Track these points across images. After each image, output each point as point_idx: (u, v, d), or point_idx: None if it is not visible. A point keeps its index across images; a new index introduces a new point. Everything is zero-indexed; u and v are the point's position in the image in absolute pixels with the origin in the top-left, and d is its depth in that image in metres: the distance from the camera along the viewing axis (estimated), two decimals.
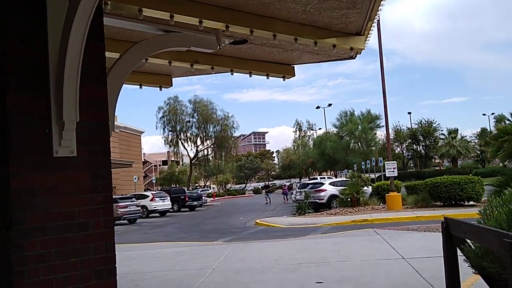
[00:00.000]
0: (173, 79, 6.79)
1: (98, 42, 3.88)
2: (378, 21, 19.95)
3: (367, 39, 6.05)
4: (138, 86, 6.48)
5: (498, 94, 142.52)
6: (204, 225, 21.32)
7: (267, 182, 54.07)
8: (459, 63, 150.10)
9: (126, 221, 25.21)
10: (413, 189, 21.18)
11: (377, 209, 19.89)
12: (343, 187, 22.15)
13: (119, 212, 24.17)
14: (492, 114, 70.30)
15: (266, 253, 9.87)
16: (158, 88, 6.74)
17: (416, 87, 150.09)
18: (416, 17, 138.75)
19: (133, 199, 25.82)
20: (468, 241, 5.25)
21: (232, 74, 6.21)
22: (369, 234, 11.79)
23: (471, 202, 18.65)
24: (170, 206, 31.68)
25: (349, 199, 21.35)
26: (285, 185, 46.61)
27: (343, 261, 8.36)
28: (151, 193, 30.58)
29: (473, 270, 5.29)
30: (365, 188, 22.48)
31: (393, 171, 19.74)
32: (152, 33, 4.71)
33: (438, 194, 18.86)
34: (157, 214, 30.71)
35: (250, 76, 6.30)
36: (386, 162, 20.28)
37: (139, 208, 25.88)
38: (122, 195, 32.44)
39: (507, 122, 62.09)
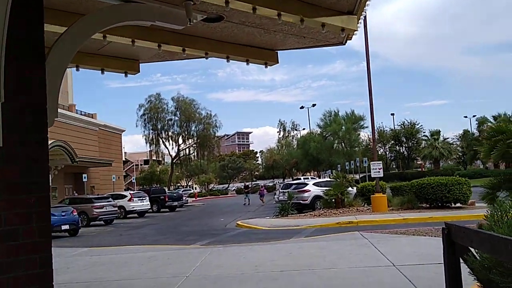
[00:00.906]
0: (141, 64, 6.01)
1: (32, 10, 3.12)
2: (365, 21, 19.40)
3: (359, 21, 5.36)
4: (100, 71, 5.68)
5: (478, 97, 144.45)
6: (183, 226, 20.47)
7: (246, 183, 53.00)
8: (441, 66, 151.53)
9: (102, 222, 24.17)
10: (398, 190, 20.69)
11: (362, 211, 19.32)
12: (327, 188, 21.52)
13: (95, 213, 23.14)
14: (474, 116, 70.86)
15: (246, 259, 9.13)
16: (123, 74, 5.95)
17: (398, 90, 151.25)
18: (399, 21, 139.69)
19: (110, 199, 24.80)
20: (472, 250, 4.60)
21: (206, 58, 5.46)
22: (356, 237, 11.14)
23: (458, 204, 18.22)
24: (149, 207, 30.69)
25: (333, 200, 20.74)
26: (262, 186, 45.75)
27: (329, 268, 7.67)
28: (129, 193, 29.55)
29: (478, 284, 4.65)
30: (350, 189, 21.91)
31: (379, 172, 19.19)
32: (107, 3, 3.94)
33: (425, 196, 18.37)
34: (136, 215, 29.72)
35: (228, 61, 5.56)
36: (371, 163, 19.72)
37: (116, 208, 24.87)
38: (98, 194, 31.40)
39: (489, 124, 62.68)
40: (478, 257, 4.84)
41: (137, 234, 18.01)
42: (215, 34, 5.15)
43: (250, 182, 78.98)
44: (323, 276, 7.15)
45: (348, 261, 8.16)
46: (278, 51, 5.93)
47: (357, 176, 39.03)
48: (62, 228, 17.83)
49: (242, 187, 49.69)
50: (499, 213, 4.67)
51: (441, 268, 7.09)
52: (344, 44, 5.68)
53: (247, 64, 5.75)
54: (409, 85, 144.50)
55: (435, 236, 10.54)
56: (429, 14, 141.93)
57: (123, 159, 70.95)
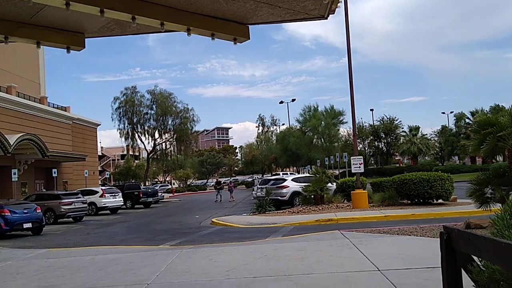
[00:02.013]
0: (86, 39, 5.07)
1: None
2: (347, 17, 18.69)
3: None
4: (35, 45, 4.73)
5: (455, 94, 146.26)
6: (156, 224, 19.48)
7: (219, 178, 51.73)
8: (419, 63, 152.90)
9: (71, 219, 22.97)
10: (379, 186, 20.10)
11: (342, 207, 18.68)
12: (306, 184, 20.81)
13: (63, 210, 21.92)
14: (451, 112, 71.38)
15: (217, 262, 8.29)
16: (65, 50, 5.01)
17: (377, 86, 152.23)
18: (377, 18, 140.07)
19: (79, 195, 23.57)
20: (476, 259, 3.85)
21: (162, 29, 4.56)
22: (336, 237, 10.40)
23: (440, 201, 17.73)
24: (122, 203, 29.48)
25: (312, 197, 20.03)
26: (231, 182, 44.71)
27: (308, 274, 6.89)
28: (101, 189, 28.27)
29: None
30: (329, 184, 21.24)
31: (360, 167, 18.55)
32: None
33: (406, 192, 17.82)
34: (108, 212, 28.52)
35: (189, 34, 4.68)
36: (352, 158, 19.06)
37: (86, 205, 23.64)
38: (66, 190, 30.09)
39: (467, 120, 63.16)
40: (481, 267, 4.08)
41: (105, 233, 16.95)
42: (172, 0, 4.26)
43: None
44: (301, 284, 6.37)
45: (328, 265, 7.39)
46: (250, 25, 5.08)
47: (336, 172, 38.55)
48: (24, 227, 16.64)
49: (214, 182, 48.22)
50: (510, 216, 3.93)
51: (431, 273, 6.39)
52: (326, 18, 4.85)
53: (213, 39, 4.88)
54: (387, 81, 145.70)
55: (420, 236, 9.90)
56: (406, 12, 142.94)
57: (99, 153, 69.18)
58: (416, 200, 17.98)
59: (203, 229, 16.09)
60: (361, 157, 18.98)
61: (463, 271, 3.83)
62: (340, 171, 40.65)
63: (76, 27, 4.80)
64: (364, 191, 18.77)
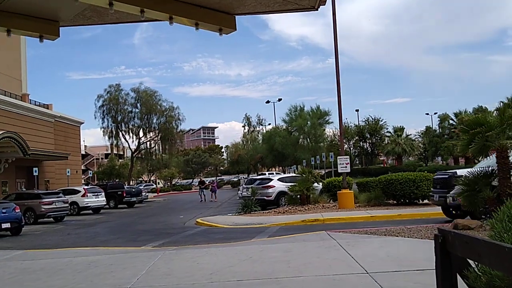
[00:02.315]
0: (61, 28, 4.76)
1: None
2: (334, 16, 18.55)
3: None
4: (5, 33, 4.40)
5: (439, 95, 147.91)
6: (139, 224, 19.08)
7: (202, 178, 51.20)
8: (403, 65, 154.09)
9: (51, 219, 22.42)
10: (365, 186, 20.03)
11: (328, 208, 18.54)
12: (292, 184, 20.61)
13: (43, 209, 21.36)
14: (435, 113, 72.03)
15: (201, 264, 8.01)
16: (38, 39, 4.69)
17: (362, 87, 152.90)
18: (363, 19, 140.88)
19: (60, 195, 23.01)
20: (472, 263, 3.67)
21: (142, 17, 4.27)
22: (323, 238, 10.19)
23: (426, 201, 17.67)
24: (105, 203, 28.92)
25: (298, 197, 19.85)
26: (213, 181, 44.41)
27: (295, 277, 6.65)
28: (83, 188, 27.67)
29: None
30: (316, 184, 21.08)
31: (346, 167, 18.41)
32: None
33: (392, 192, 17.75)
34: (90, 212, 27.96)
35: (171, 23, 4.40)
36: (338, 157, 18.91)
37: (67, 204, 23.08)
38: (47, 189, 29.44)
39: (450, 121, 63.79)
40: (478, 272, 3.89)
41: (86, 233, 16.52)
42: None
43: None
44: (288, 287, 6.13)
45: (316, 268, 7.17)
46: (236, 16, 4.82)
47: (322, 172, 38.49)
48: (2, 227, 16.10)
49: (197, 182, 47.74)
50: (510, 219, 3.73)
51: (422, 276, 6.19)
52: (317, 9, 4.62)
53: (197, 29, 4.60)
54: (372, 82, 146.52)
55: (408, 237, 9.74)
56: (392, 13, 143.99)
57: (83, 152, 68.13)
58: (402, 200, 17.93)
59: (187, 230, 15.78)
60: (348, 157, 18.86)
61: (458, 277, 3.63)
62: (326, 171, 40.61)
63: (50, 14, 4.47)
64: (350, 191, 18.65)
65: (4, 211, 16.34)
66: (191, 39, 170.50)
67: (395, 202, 18.24)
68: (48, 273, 8.13)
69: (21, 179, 37.28)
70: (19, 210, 17.08)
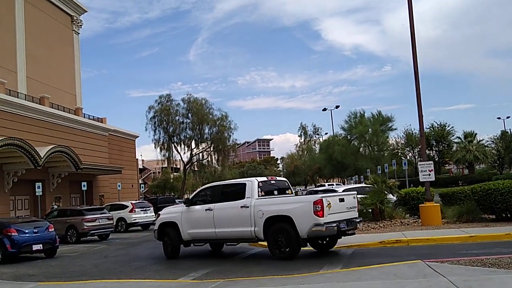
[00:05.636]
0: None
1: None
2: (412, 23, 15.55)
3: None
4: None
5: (504, 100, 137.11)
6: None
7: None
8: (464, 69, 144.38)
9: (96, 238, 20.68)
10: (451, 198, 16.63)
11: (408, 224, 15.35)
12: (361, 196, 17.50)
13: (85, 227, 19.62)
14: (508, 117, 65.61)
15: None
16: None
17: (422, 94, 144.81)
18: (420, 25, 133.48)
19: (104, 211, 21.28)
20: None
21: None
22: (424, 272, 7.23)
23: None
24: (154, 218, 27.05)
25: (370, 211, 16.77)
26: None
27: None
28: (131, 203, 25.94)
29: None
30: (390, 196, 17.87)
31: (430, 175, 15.12)
32: None
33: (491, 205, 14.27)
34: (139, 228, 26.17)
35: None
36: (419, 163, 15.69)
37: (111, 221, 21.26)
38: (102, 204, 28.00)
39: None
40: None
41: (125, 256, 14.34)
42: None
43: None
44: None
45: None
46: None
47: (393, 181, 34.82)
48: (34, 249, 14.28)
49: None
50: None
51: None
52: None
53: None
54: (432, 89, 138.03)
55: None
56: (450, 17, 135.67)
57: (140, 166, 67.93)
58: (503, 215, 14.41)
59: (239, 251, 13.20)
60: (431, 162, 15.57)
61: None
62: (399, 180, 36.86)
63: None
64: (435, 204, 15.33)
65: (36, 230, 14.57)
66: (245, 54, 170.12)
67: (493, 217, 14.75)
68: None
69: (76, 194, 36.49)
70: (53, 229, 15.25)
